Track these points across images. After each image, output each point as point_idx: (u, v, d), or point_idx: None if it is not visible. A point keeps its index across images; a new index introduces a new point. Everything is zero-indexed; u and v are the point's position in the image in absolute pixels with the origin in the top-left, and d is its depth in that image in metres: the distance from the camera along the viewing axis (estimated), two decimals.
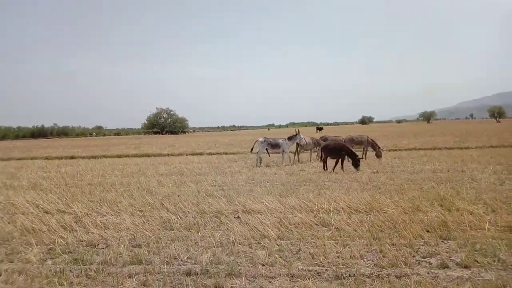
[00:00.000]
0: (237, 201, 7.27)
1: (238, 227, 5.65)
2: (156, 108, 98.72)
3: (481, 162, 12.66)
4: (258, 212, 6.54)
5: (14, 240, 5.46)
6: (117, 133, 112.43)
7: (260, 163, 14.36)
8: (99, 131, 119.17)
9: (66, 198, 8.10)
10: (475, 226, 5.46)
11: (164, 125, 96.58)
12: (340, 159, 12.07)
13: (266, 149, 14.60)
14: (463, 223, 5.55)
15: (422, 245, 4.82)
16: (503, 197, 7.13)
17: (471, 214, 5.96)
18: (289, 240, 5.17)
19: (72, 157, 21.51)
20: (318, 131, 60.96)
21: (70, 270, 4.34)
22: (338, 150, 12.23)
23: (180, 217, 6.35)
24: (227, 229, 5.64)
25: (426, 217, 5.94)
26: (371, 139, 15.93)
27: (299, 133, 15.18)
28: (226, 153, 20.93)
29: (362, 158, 14.18)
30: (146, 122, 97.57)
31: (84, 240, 5.40)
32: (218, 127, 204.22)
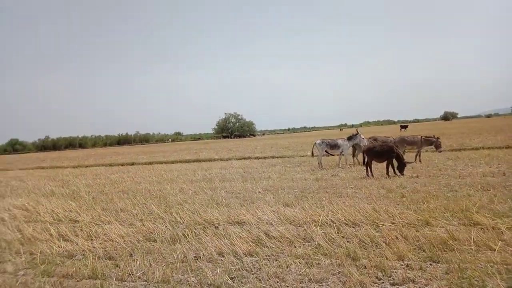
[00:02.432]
0: (234, 211, 7.01)
1: (213, 241, 5.41)
2: (225, 113, 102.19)
3: None
4: (247, 223, 6.23)
5: (8, 249, 5.87)
6: (198, 138, 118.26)
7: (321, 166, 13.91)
8: (176, 137, 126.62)
9: (85, 206, 8.58)
10: (483, 246, 4.55)
11: (232, 129, 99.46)
12: (388, 163, 11.02)
13: (326, 150, 14.15)
14: (468, 241, 4.66)
15: (401, 269, 4.12)
16: None
17: (484, 231, 4.99)
18: (256, 257, 4.80)
19: (132, 164, 23.00)
20: (402, 129, 56.81)
21: (32, 282, 4.50)
22: (385, 153, 11.13)
23: (168, 228, 6.30)
24: (202, 242, 5.43)
25: (429, 233, 5.11)
26: (425, 137, 14.47)
27: (358, 133, 14.46)
28: (273, 157, 20.64)
29: (413, 162, 12.88)
30: (216, 127, 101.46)
31: (68, 250, 5.60)
32: (288, 129, 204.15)
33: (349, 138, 14.24)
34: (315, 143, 14.41)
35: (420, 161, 13.81)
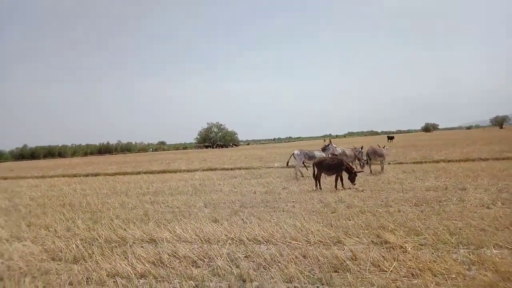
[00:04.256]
0: (156, 228, 6.80)
1: (113, 261, 5.17)
2: (207, 123, 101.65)
3: (496, 177, 10.85)
4: (161, 241, 6.01)
5: None
6: (185, 147, 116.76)
7: (302, 175, 14.23)
8: (159, 147, 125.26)
9: (12, 221, 8.24)
10: (379, 266, 4.45)
11: (214, 139, 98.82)
12: (336, 176, 11.01)
13: (303, 161, 14.40)
14: (366, 262, 4.55)
15: None
16: (465, 226, 5.86)
17: (388, 250, 4.91)
18: (147, 279, 4.59)
19: (96, 175, 22.51)
20: (389, 140, 56.18)
21: None
22: (335, 166, 11.12)
23: (79, 246, 6.03)
24: (102, 262, 5.19)
25: (331, 252, 4.98)
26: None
27: (331, 143, 14.67)
28: (240, 168, 20.46)
29: (362, 171, 13.13)
30: (198, 137, 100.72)
31: None
32: (273, 139, 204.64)
33: (323, 149, 14.52)
34: (294, 153, 14.54)
35: (371, 172, 13.99)
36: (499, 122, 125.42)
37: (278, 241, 5.66)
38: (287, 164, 16.23)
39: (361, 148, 15.69)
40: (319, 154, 14.25)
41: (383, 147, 14.94)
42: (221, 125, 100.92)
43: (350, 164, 15.11)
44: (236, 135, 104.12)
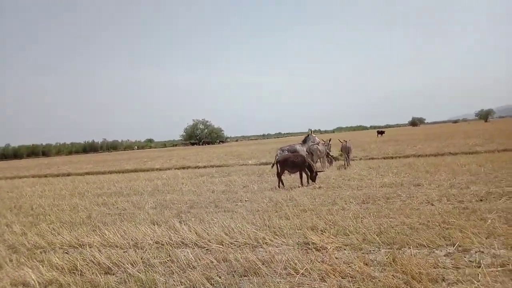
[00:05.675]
0: (87, 233, 6.59)
1: (24, 268, 4.96)
2: (193, 119, 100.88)
3: (454, 172, 10.85)
4: (88, 247, 5.80)
5: None
6: (175, 144, 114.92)
7: None
8: (145, 144, 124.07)
9: None
10: (291, 270, 4.30)
11: (200, 136, 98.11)
12: (300, 173, 10.95)
13: None
14: (279, 265, 4.42)
15: None
16: (399, 224, 5.77)
17: (307, 252, 4.77)
18: (51, 285, 4.39)
19: (68, 175, 22.11)
20: (379, 135, 53.60)
21: None
22: (298, 164, 11.03)
23: (1, 253, 5.80)
24: (12, 271, 4.97)
25: (244, 256, 4.83)
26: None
27: (311, 133, 14.48)
28: (213, 166, 20.28)
29: (323, 170, 13.18)
30: (184, 134, 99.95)
31: None
32: (263, 135, 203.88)
33: (304, 141, 14.38)
34: (277, 153, 14.22)
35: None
36: (484, 116, 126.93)
37: (203, 244, 5.49)
38: (272, 166, 15.62)
39: (329, 140, 15.68)
40: (300, 147, 14.11)
41: (344, 141, 15.10)
42: (207, 121, 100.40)
43: (323, 159, 15.17)
44: (222, 132, 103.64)
